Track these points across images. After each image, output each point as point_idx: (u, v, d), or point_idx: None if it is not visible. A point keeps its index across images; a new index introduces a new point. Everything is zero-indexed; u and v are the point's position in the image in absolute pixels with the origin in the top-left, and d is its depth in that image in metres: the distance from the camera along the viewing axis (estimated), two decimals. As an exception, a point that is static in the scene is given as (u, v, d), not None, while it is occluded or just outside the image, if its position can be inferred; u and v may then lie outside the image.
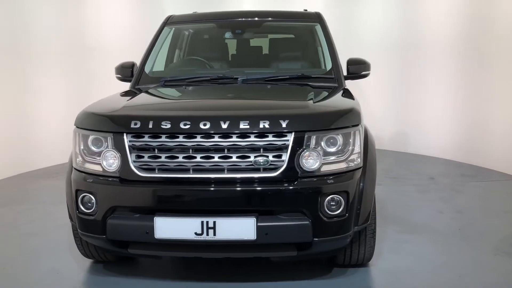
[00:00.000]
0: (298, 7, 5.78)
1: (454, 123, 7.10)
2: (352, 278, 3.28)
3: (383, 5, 7.98)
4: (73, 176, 3.00)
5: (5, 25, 6.16)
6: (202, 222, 2.69)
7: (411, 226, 4.26)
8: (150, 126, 2.79)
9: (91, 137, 2.94)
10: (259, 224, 2.68)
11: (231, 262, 3.45)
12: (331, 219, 2.76)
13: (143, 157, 2.81)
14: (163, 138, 2.78)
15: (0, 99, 6.17)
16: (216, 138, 2.75)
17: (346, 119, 2.91)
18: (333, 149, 2.82)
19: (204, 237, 2.70)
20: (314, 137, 2.77)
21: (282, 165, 2.74)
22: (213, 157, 2.76)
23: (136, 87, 3.97)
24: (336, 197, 2.76)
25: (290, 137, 2.74)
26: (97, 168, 2.90)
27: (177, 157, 2.77)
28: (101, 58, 7.24)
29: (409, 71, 7.67)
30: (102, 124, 2.93)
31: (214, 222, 2.68)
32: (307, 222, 2.71)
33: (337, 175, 2.81)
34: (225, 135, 2.75)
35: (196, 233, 2.70)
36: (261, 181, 2.74)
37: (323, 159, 2.78)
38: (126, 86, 4.11)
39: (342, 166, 2.83)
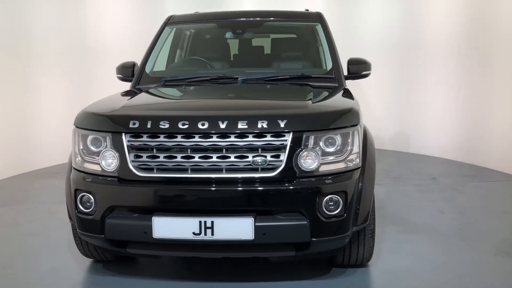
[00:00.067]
0: (298, 7, 5.78)
1: (455, 123, 7.09)
2: (352, 278, 3.27)
3: (384, 5, 7.97)
4: (72, 176, 3.00)
5: (5, 25, 6.17)
6: (200, 222, 2.68)
7: (411, 226, 4.26)
8: (149, 126, 2.79)
9: (90, 137, 2.94)
10: (257, 224, 2.67)
11: (231, 262, 3.45)
12: (329, 219, 2.76)
13: (141, 157, 2.81)
14: (162, 138, 2.78)
15: (0, 99, 6.17)
16: (214, 138, 2.75)
17: (345, 119, 2.90)
18: (331, 149, 2.81)
19: (202, 237, 2.70)
20: (313, 137, 2.77)
21: (280, 165, 2.73)
22: (211, 157, 2.76)
23: (136, 87, 3.98)
24: (334, 197, 2.76)
25: (288, 137, 2.74)
26: (96, 168, 2.90)
27: (176, 157, 2.77)
28: (101, 58, 7.24)
29: (410, 71, 7.66)
30: (101, 124, 2.93)
31: (212, 222, 2.68)
32: (305, 222, 2.71)
33: (336, 175, 2.80)
34: (223, 135, 2.75)
35: (194, 233, 2.70)
36: (259, 181, 2.74)
37: (322, 159, 2.78)
38: (126, 86, 4.11)
39: (340, 166, 2.82)
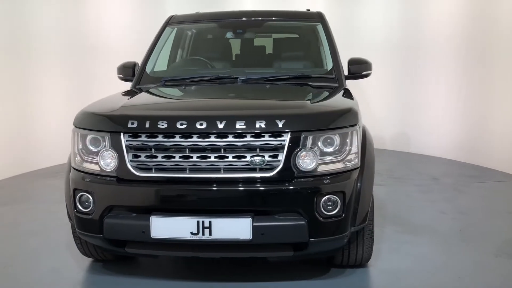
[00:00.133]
0: (298, 7, 5.77)
1: (455, 122, 7.08)
2: (351, 278, 3.26)
3: (384, 5, 7.97)
4: (71, 176, 3.01)
5: (5, 25, 6.18)
6: (198, 222, 2.68)
7: (411, 227, 4.24)
8: (147, 126, 2.79)
9: (89, 137, 2.95)
10: (255, 224, 2.67)
11: (230, 262, 3.45)
12: (328, 220, 2.75)
13: (140, 156, 2.81)
14: (160, 138, 2.78)
15: (0, 99, 6.18)
16: (212, 138, 2.74)
17: (343, 119, 2.89)
18: (330, 149, 2.81)
19: (200, 236, 2.69)
20: (311, 137, 2.76)
21: (278, 165, 2.73)
22: (209, 157, 2.75)
23: (136, 87, 3.98)
24: (333, 197, 2.75)
25: (287, 137, 2.73)
26: (94, 168, 2.91)
27: (174, 157, 2.77)
28: (101, 58, 7.25)
29: (411, 71, 7.65)
30: (100, 123, 2.93)
31: (210, 222, 2.68)
32: (303, 222, 2.70)
33: (334, 175, 2.80)
34: (221, 135, 2.74)
35: (192, 233, 2.69)
36: (257, 181, 2.73)
37: (320, 159, 2.77)
38: (127, 86, 4.11)
39: (339, 166, 2.82)
